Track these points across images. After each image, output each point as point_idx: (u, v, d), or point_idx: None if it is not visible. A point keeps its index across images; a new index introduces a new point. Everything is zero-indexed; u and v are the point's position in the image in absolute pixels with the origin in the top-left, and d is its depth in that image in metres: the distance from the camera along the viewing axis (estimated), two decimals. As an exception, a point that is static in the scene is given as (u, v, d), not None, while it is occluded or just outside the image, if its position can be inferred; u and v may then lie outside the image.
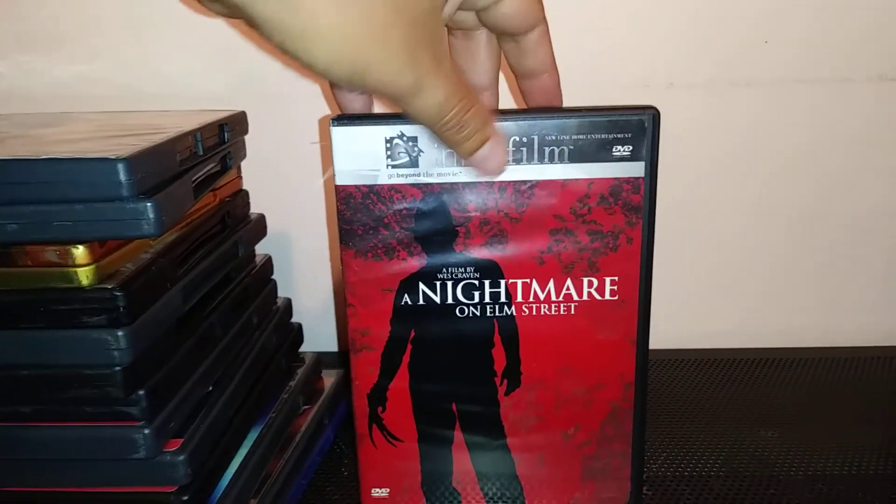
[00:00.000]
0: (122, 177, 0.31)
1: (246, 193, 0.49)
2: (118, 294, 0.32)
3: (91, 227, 0.32)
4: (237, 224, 0.47)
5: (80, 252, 0.32)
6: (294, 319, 0.54)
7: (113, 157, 0.31)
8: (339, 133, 0.34)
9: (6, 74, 0.60)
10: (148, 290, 0.35)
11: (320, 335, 0.63)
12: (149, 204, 0.32)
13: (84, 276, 0.32)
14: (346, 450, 0.50)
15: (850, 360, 0.59)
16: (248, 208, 0.50)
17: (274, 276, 0.52)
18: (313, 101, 0.59)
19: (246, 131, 0.48)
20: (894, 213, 0.62)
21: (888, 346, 0.62)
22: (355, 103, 0.36)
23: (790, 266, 0.63)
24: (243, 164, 0.49)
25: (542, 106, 0.37)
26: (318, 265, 0.64)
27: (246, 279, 0.47)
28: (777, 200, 0.62)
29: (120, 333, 0.33)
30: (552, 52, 0.36)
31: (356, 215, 0.36)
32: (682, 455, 0.48)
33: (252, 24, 0.26)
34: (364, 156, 0.35)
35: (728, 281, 0.64)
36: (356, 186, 0.35)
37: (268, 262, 0.51)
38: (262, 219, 0.50)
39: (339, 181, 0.35)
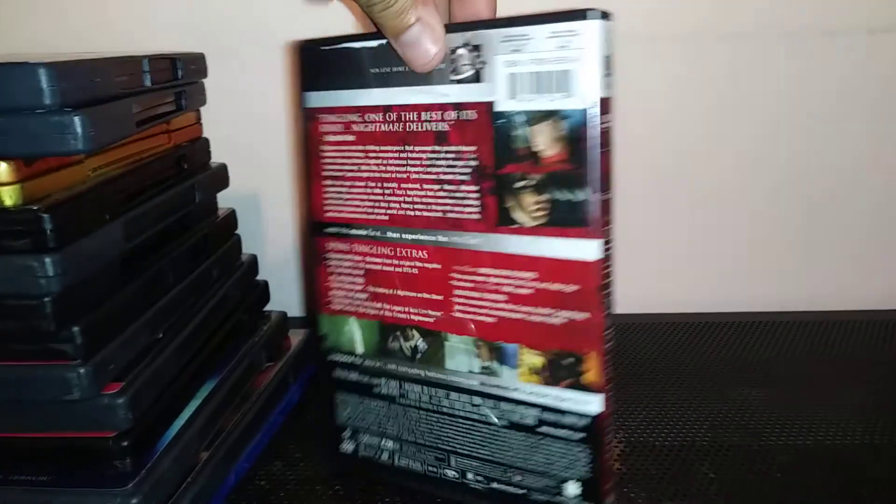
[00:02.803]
0: (44, 83, 0.28)
1: (206, 141, 0.47)
2: (44, 215, 0.30)
3: (13, 141, 0.29)
4: (195, 170, 0.45)
5: (2, 169, 0.30)
6: (262, 278, 0.52)
7: (34, 61, 0.28)
8: None
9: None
10: (81, 217, 0.32)
11: (289, 299, 0.60)
12: (75, 117, 0.30)
13: (7, 195, 0.30)
14: (314, 410, 0.47)
15: (833, 324, 0.57)
16: (209, 157, 0.48)
17: (240, 233, 0.50)
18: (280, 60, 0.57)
19: (205, 74, 0.46)
20: (878, 173, 0.59)
21: (870, 310, 0.60)
22: None
23: (774, 227, 0.61)
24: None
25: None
26: (287, 230, 0.62)
27: (205, 229, 0.45)
28: (761, 159, 0.59)
29: (47, 259, 0.30)
30: None
31: None
32: (667, 419, 0.46)
33: None
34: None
35: (714, 242, 0.61)
36: None
37: (231, 215, 0.49)
38: (223, 168, 0.48)
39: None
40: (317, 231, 0.38)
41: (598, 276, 0.32)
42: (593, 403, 0.33)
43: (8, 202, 0.30)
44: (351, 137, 0.35)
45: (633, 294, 0.59)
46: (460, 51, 0.32)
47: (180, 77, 0.42)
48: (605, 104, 0.30)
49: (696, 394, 0.48)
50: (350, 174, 0.36)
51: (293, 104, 0.58)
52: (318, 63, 0.35)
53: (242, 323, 0.47)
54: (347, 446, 0.39)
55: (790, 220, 0.61)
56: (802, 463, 0.40)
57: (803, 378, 0.50)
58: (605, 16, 0.29)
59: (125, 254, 0.36)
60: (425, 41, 0.32)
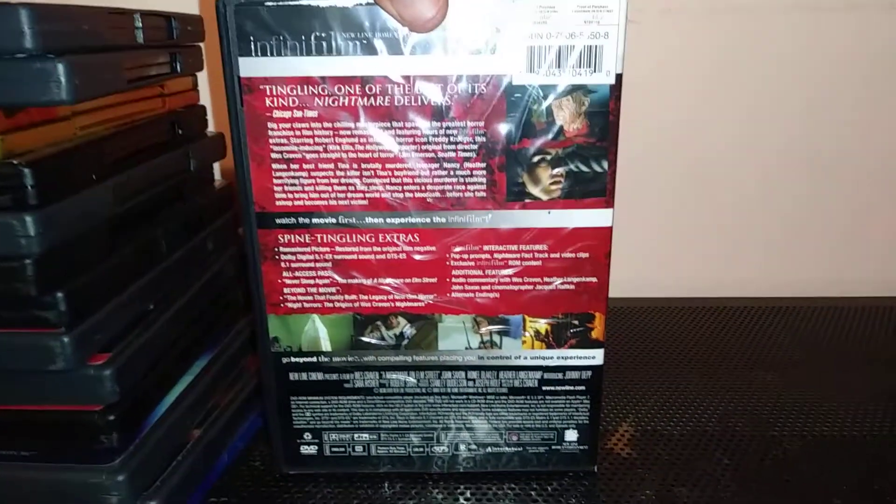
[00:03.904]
0: (25, 26, 0.26)
1: (203, 108, 0.45)
2: (25, 170, 0.28)
3: (-8, 89, 0.27)
4: (190, 137, 0.43)
5: (-20, 120, 0.28)
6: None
7: (14, 1, 0.26)
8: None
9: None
10: (66, 175, 0.30)
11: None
12: (59, 64, 0.28)
13: (-15, 148, 0.28)
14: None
15: (851, 310, 0.56)
16: (206, 125, 0.45)
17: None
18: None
19: (202, 38, 0.44)
20: (883, 150, 0.58)
21: (890, 296, 0.58)
22: None
23: (787, 208, 0.59)
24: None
25: None
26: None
27: (200, 199, 0.43)
28: (764, 131, 0.57)
29: (27, 218, 0.28)
30: None
31: None
32: (677, 405, 0.44)
33: None
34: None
35: (723, 223, 0.60)
36: None
37: (228, 188, 0.47)
38: (220, 137, 0.46)
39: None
40: (265, 223, 0.33)
41: (608, 243, 0.33)
42: (597, 357, 0.35)
43: (-13, 155, 0.28)
44: (312, 113, 0.31)
45: (639, 277, 0.58)
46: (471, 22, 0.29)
47: (175, 38, 0.39)
48: (620, 79, 0.30)
49: (706, 379, 0.46)
50: (311, 156, 0.31)
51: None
52: (258, 23, 0.29)
53: (237, 299, 0.45)
54: (309, 449, 0.37)
55: (801, 200, 0.59)
56: (817, 451, 0.39)
57: (817, 365, 0.48)
58: None
59: (115, 219, 0.34)
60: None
